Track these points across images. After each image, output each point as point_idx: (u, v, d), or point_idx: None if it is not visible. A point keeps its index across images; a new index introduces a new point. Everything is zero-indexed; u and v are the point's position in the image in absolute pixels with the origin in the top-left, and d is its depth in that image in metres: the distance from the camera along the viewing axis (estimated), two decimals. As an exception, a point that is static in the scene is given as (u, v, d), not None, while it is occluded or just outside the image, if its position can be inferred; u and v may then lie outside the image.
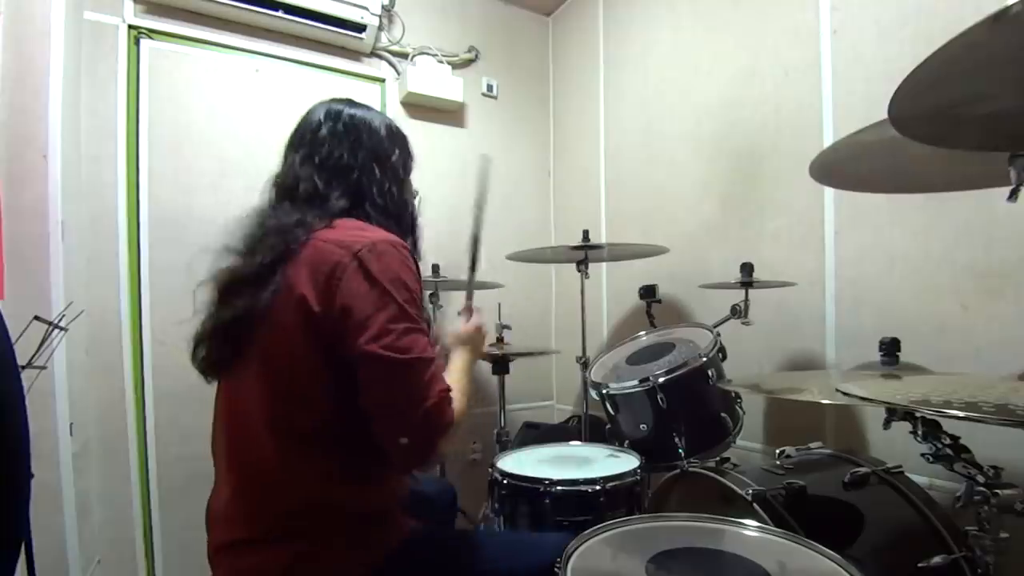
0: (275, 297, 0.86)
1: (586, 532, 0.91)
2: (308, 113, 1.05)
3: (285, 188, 0.99)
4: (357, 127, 1.01)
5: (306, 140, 1.01)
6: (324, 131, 1.00)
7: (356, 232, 0.90)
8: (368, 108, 1.07)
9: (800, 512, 1.04)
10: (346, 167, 0.98)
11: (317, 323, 0.83)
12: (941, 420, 0.78)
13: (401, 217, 1.04)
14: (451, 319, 1.17)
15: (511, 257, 2.02)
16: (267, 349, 0.88)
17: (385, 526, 0.93)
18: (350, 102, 1.06)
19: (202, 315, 0.95)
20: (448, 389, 0.86)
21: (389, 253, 0.87)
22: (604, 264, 2.49)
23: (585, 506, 1.25)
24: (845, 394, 0.79)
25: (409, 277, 0.88)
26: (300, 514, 0.86)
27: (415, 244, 1.09)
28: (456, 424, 0.86)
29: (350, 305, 0.82)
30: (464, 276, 1.25)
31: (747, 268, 1.56)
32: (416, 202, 1.16)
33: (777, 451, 1.25)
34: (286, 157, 1.03)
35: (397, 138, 1.07)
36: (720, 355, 1.48)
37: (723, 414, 1.44)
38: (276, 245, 0.90)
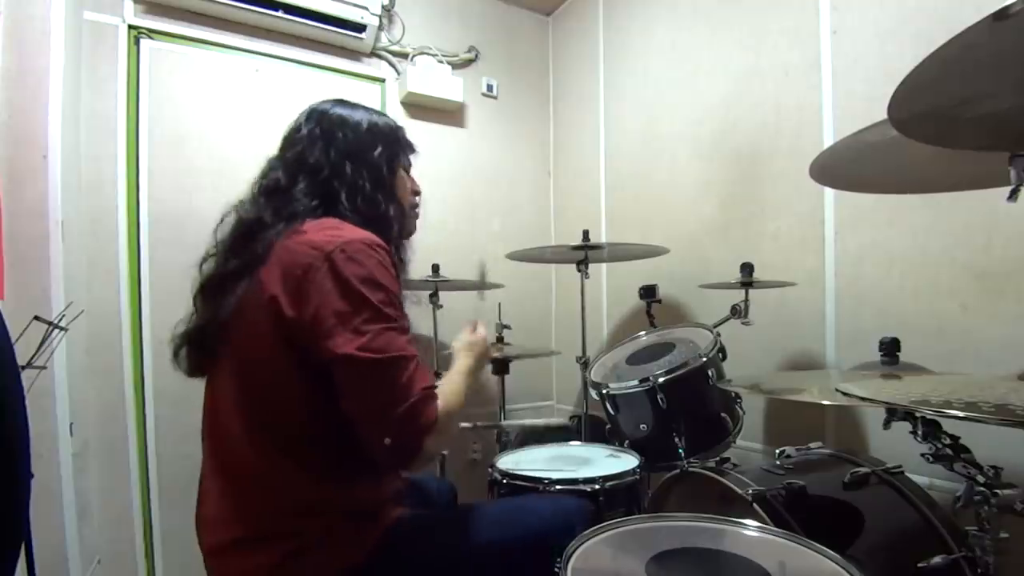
0: (246, 299, 0.86)
1: (586, 532, 0.91)
2: (298, 116, 1.06)
3: (259, 187, 1.01)
4: (333, 127, 1.01)
5: (286, 142, 1.04)
6: (303, 132, 1.02)
7: (330, 232, 0.89)
8: (355, 106, 1.06)
9: (800, 512, 1.04)
10: (315, 167, 0.98)
11: (290, 327, 0.83)
12: (941, 420, 0.78)
13: (378, 216, 1.00)
14: (455, 327, 1.17)
15: (511, 257, 2.02)
16: (240, 352, 0.88)
17: (374, 523, 0.93)
18: (339, 102, 1.06)
19: (184, 318, 0.97)
20: (431, 387, 0.85)
21: (362, 253, 0.86)
22: (604, 264, 2.49)
23: (585, 506, 1.25)
24: (845, 394, 0.79)
25: (384, 276, 0.87)
26: (287, 514, 0.86)
27: (400, 243, 1.07)
28: (442, 422, 0.84)
29: (322, 308, 0.82)
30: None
31: (747, 268, 1.55)
32: (416, 200, 1.16)
33: (777, 451, 1.25)
34: (270, 157, 1.05)
35: (380, 135, 1.05)
36: (720, 355, 1.48)
37: (723, 414, 1.44)
38: (245, 247, 0.91)
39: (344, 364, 0.81)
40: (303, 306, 0.82)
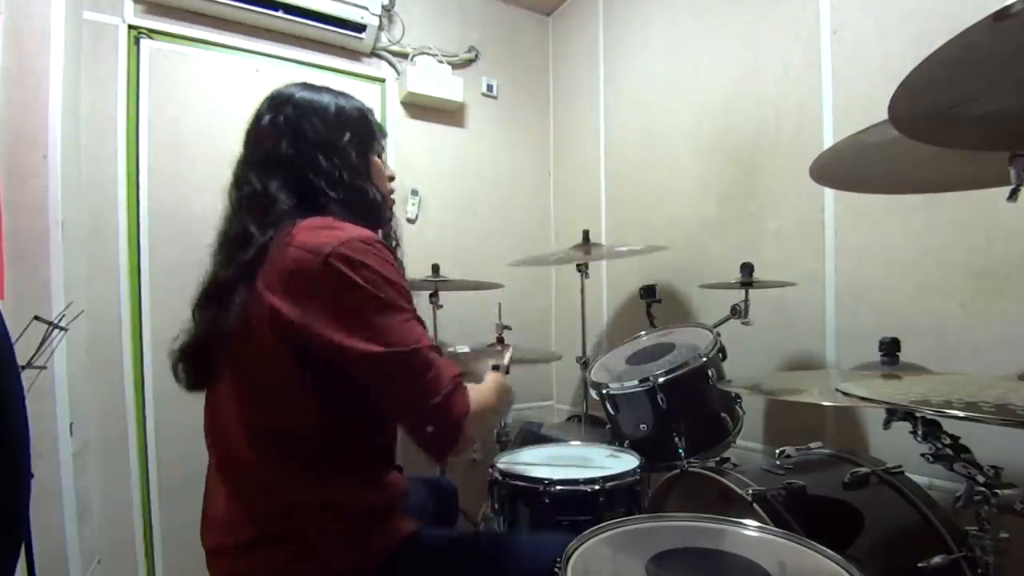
0: (244, 309, 0.84)
1: (586, 532, 0.91)
2: (259, 105, 1.00)
3: (235, 196, 0.96)
4: (299, 115, 0.96)
5: (250, 139, 0.98)
6: (265, 123, 0.96)
7: (324, 233, 0.85)
8: (320, 89, 1.01)
9: (800, 512, 1.04)
10: (285, 161, 0.93)
11: (293, 333, 0.81)
12: (941, 420, 0.78)
13: (363, 205, 0.97)
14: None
15: (513, 264, 2.01)
16: (240, 361, 0.87)
17: (381, 527, 0.92)
18: (303, 85, 1.01)
19: (183, 332, 0.95)
20: (459, 375, 0.86)
21: (361, 251, 0.83)
22: (604, 264, 2.49)
23: (585, 506, 1.25)
24: (845, 394, 0.79)
25: (388, 270, 0.85)
26: (290, 516, 0.86)
27: (388, 232, 1.05)
28: (475, 411, 0.85)
29: (331, 312, 0.80)
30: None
31: (747, 268, 1.55)
32: (392, 185, 1.09)
33: (777, 451, 1.25)
34: (238, 161, 0.99)
35: (350, 119, 0.99)
36: (720, 355, 1.48)
37: (723, 414, 1.44)
38: (236, 256, 0.88)
39: (370, 362, 0.80)
40: (306, 311, 0.81)
